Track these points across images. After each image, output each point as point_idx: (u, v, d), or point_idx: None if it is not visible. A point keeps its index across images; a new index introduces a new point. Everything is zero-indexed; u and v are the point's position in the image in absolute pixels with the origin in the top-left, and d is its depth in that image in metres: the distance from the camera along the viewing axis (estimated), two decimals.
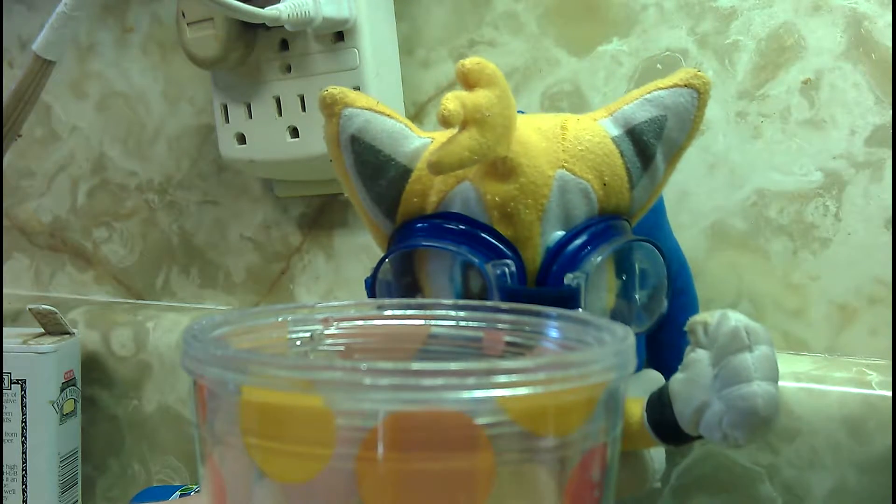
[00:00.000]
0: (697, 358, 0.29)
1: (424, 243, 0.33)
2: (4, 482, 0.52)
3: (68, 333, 0.55)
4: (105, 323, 0.59)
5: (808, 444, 0.38)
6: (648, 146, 0.33)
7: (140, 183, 0.61)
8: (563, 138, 0.33)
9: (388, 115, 0.34)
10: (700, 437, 0.29)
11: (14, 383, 0.52)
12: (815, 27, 0.41)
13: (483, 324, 0.29)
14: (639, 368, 0.34)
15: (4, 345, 0.52)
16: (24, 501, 0.52)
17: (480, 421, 0.20)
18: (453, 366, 0.20)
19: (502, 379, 0.20)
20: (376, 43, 0.47)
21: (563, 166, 0.33)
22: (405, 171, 0.34)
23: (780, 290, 0.42)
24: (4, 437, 0.52)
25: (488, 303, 0.30)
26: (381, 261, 0.34)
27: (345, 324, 0.30)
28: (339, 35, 0.46)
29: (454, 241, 0.32)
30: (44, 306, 0.53)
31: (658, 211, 0.39)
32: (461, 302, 0.30)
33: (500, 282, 0.31)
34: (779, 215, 0.42)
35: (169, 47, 0.59)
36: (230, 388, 0.22)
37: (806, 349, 0.42)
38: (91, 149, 0.63)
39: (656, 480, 0.35)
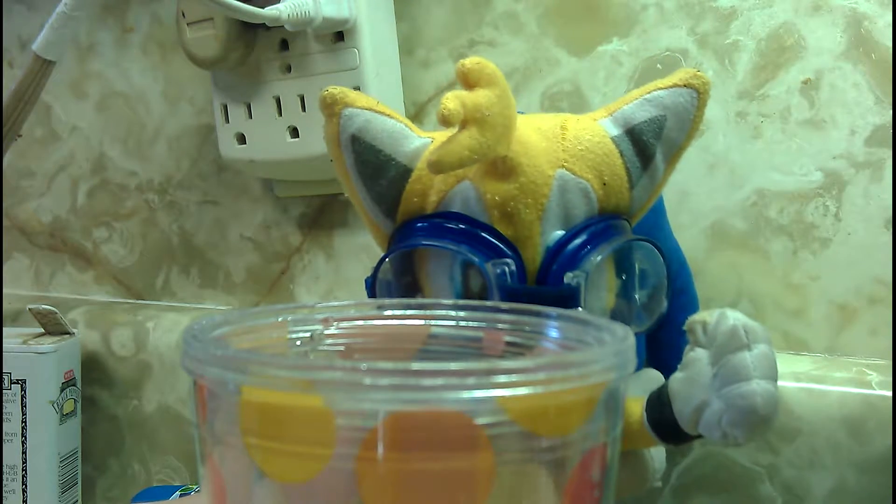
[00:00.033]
0: (696, 357, 0.29)
1: (424, 242, 0.33)
2: (4, 482, 0.52)
3: (68, 333, 0.55)
4: (105, 323, 0.59)
5: (808, 444, 0.38)
6: (648, 146, 0.34)
7: (140, 183, 0.61)
8: (563, 138, 0.33)
9: (389, 115, 0.34)
10: (700, 436, 0.29)
11: (14, 383, 0.52)
12: (815, 27, 0.41)
13: (483, 324, 0.29)
14: (638, 368, 0.34)
15: (4, 345, 0.52)
16: (24, 501, 0.52)
17: (480, 421, 0.20)
18: (453, 366, 0.20)
19: (502, 379, 0.20)
20: (376, 43, 0.47)
21: (563, 166, 0.33)
22: (405, 171, 0.34)
23: (780, 290, 0.42)
24: (4, 437, 0.52)
25: (488, 303, 0.30)
26: (382, 260, 0.34)
27: (345, 324, 0.30)
28: (339, 35, 0.46)
29: (454, 241, 0.32)
30: (44, 306, 0.53)
31: (658, 211, 0.39)
32: (461, 302, 0.30)
33: (500, 281, 0.31)
34: (779, 215, 0.42)
35: (169, 47, 0.59)
36: (230, 388, 0.22)
37: (806, 349, 0.42)
38: (91, 149, 0.63)
39: (657, 480, 0.35)
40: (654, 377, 0.36)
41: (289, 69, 0.48)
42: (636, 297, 0.35)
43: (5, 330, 0.56)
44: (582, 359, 0.22)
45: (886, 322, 0.40)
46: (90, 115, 0.62)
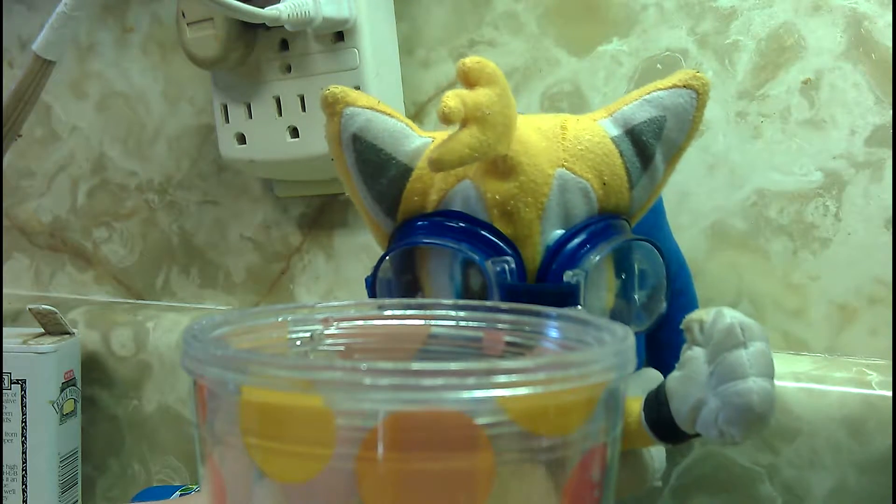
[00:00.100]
0: (694, 355, 0.29)
1: (424, 241, 0.33)
2: (4, 482, 0.52)
3: (68, 333, 0.55)
4: (105, 323, 0.59)
5: (808, 444, 0.38)
6: (648, 146, 0.34)
7: (140, 183, 0.61)
8: (563, 138, 0.33)
9: (390, 115, 0.34)
10: (697, 434, 0.29)
11: (14, 383, 0.52)
12: (815, 27, 0.41)
13: (483, 324, 0.29)
14: (638, 367, 0.34)
15: (4, 345, 0.52)
16: (24, 501, 0.52)
17: (480, 421, 0.20)
18: (453, 366, 0.20)
19: (502, 379, 0.20)
20: (376, 43, 0.47)
21: (563, 165, 0.33)
22: (406, 170, 0.34)
23: (780, 290, 0.42)
24: (4, 437, 0.52)
25: (488, 303, 0.30)
26: (382, 259, 0.34)
27: (345, 324, 0.30)
28: (339, 35, 0.47)
29: (454, 239, 0.32)
30: (44, 306, 0.53)
31: (657, 212, 0.39)
32: (461, 302, 0.30)
33: (499, 279, 0.31)
34: (779, 215, 0.42)
35: (169, 47, 0.59)
36: (230, 388, 0.22)
37: (806, 349, 0.42)
38: (91, 149, 0.63)
39: (656, 479, 0.35)
40: (653, 377, 0.36)
41: (289, 69, 0.48)
42: (636, 297, 0.35)
43: (5, 330, 0.56)
44: (582, 359, 0.22)
45: (886, 322, 0.40)
46: (90, 115, 0.63)
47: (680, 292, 0.38)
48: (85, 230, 0.64)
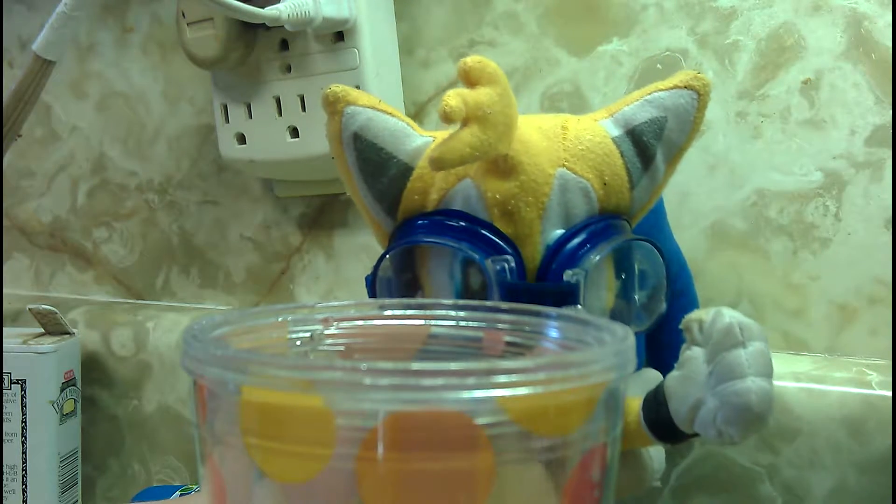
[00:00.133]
0: (693, 355, 0.29)
1: (425, 239, 0.33)
2: (4, 482, 0.52)
3: (68, 333, 0.55)
4: (105, 323, 0.59)
5: (808, 444, 0.38)
6: (648, 147, 0.34)
7: (140, 183, 0.61)
8: (564, 138, 0.33)
9: (391, 114, 0.34)
10: (696, 434, 0.29)
11: (14, 383, 0.52)
12: (815, 27, 0.41)
13: (483, 324, 0.29)
14: (638, 368, 0.34)
15: (4, 345, 0.52)
16: (24, 501, 0.52)
17: (480, 421, 0.20)
18: (453, 366, 0.20)
19: (502, 379, 0.20)
20: (376, 43, 0.47)
21: (564, 165, 0.33)
22: (406, 169, 0.34)
23: (780, 290, 0.42)
24: (4, 437, 0.52)
25: (488, 303, 0.30)
26: (382, 257, 0.34)
27: (345, 324, 0.30)
28: (339, 35, 0.46)
29: (454, 238, 0.32)
30: (44, 306, 0.53)
31: (658, 213, 0.39)
32: (461, 302, 0.30)
33: (499, 277, 0.31)
34: (779, 215, 0.42)
35: (169, 47, 0.59)
36: (230, 388, 0.22)
37: (806, 349, 0.42)
38: (91, 149, 0.63)
39: (656, 480, 0.35)
40: (653, 377, 0.36)
41: (289, 69, 0.48)
42: (636, 297, 0.35)
43: (5, 330, 0.56)
44: (582, 359, 0.22)
45: (886, 322, 0.40)
46: (90, 115, 0.62)
47: (681, 293, 0.38)
48: (85, 230, 0.64)
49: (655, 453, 0.35)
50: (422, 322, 0.30)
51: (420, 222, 0.34)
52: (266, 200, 0.56)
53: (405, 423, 0.20)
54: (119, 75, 0.61)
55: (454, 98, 0.29)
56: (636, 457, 0.34)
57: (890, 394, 0.37)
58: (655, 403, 0.29)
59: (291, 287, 0.56)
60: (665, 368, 0.35)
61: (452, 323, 0.29)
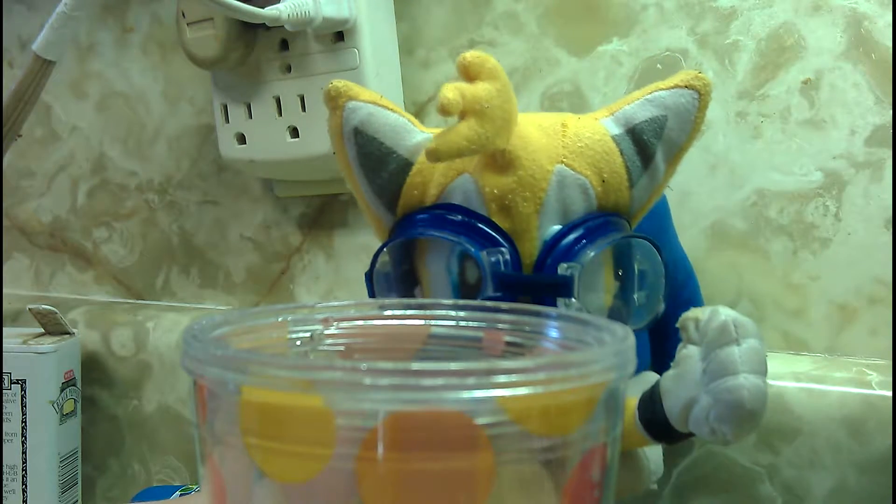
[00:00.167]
0: (688, 354, 0.29)
1: (421, 232, 0.33)
2: (4, 482, 0.52)
3: (68, 333, 0.55)
4: (105, 323, 0.59)
5: (808, 444, 0.38)
6: (648, 145, 0.34)
7: (140, 183, 0.61)
8: (564, 135, 0.33)
9: (392, 110, 0.34)
10: (692, 434, 0.29)
11: (14, 383, 0.52)
12: (815, 27, 0.41)
13: (483, 324, 0.29)
14: (641, 371, 0.34)
15: (4, 345, 0.52)
16: (24, 501, 0.52)
17: (480, 421, 0.20)
18: (453, 366, 0.20)
19: (502, 379, 0.20)
20: (376, 43, 0.47)
21: (563, 161, 0.33)
22: (406, 164, 0.34)
23: (780, 290, 0.42)
24: (4, 437, 0.52)
25: (488, 303, 0.30)
26: (380, 250, 0.34)
27: (345, 324, 0.30)
28: (339, 35, 0.46)
29: (452, 232, 0.32)
30: (44, 306, 0.53)
31: (664, 219, 0.39)
32: (461, 302, 0.30)
33: (494, 269, 0.31)
34: (779, 215, 0.42)
35: (169, 47, 0.59)
36: (230, 388, 0.22)
37: (806, 349, 0.42)
38: (91, 149, 0.63)
39: (653, 482, 0.35)
40: (653, 380, 0.36)
41: (289, 69, 0.48)
42: (634, 296, 0.35)
43: (5, 330, 0.56)
44: (582, 359, 0.22)
45: (886, 322, 0.40)
46: (90, 115, 0.62)
47: (687, 302, 0.38)
48: (85, 230, 0.64)
49: (652, 454, 0.34)
50: (422, 322, 0.30)
51: (419, 217, 0.34)
52: (266, 200, 0.56)
53: (405, 423, 0.20)
54: (119, 75, 0.61)
55: (451, 91, 0.29)
56: (633, 458, 0.34)
57: (890, 394, 0.37)
58: (651, 402, 0.29)
59: (291, 287, 0.56)
60: None
61: (452, 323, 0.29)
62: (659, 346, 0.37)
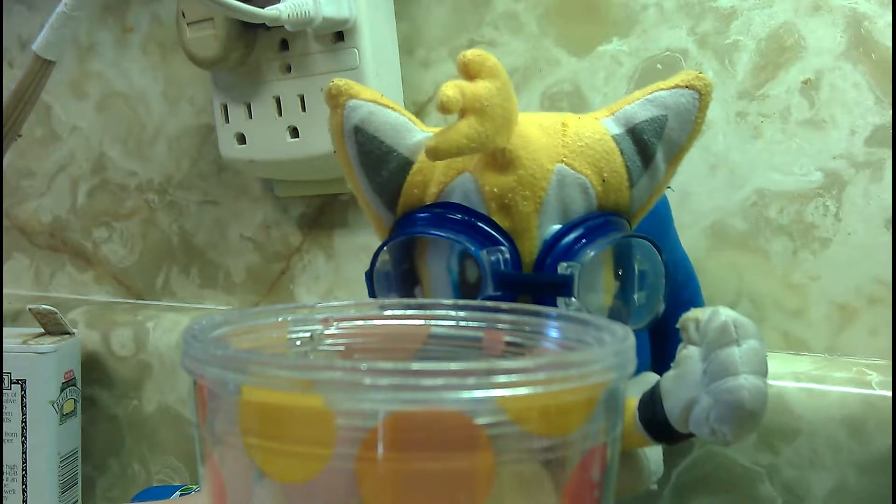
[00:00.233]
0: (688, 354, 0.29)
1: (421, 231, 0.33)
2: (4, 482, 0.52)
3: (68, 333, 0.55)
4: (105, 323, 0.59)
5: (808, 444, 0.38)
6: (649, 145, 0.34)
7: (140, 183, 0.61)
8: (564, 134, 0.33)
9: (392, 108, 0.34)
10: (692, 434, 0.29)
11: (14, 383, 0.52)
12: (815, 27, 0.41)
13: (483, 324, 0.29)
14: (642, 372, 0.34)
15: (4, 345, 0.52)
16: (24, 501, 0.52)
17: (480, 421, 0.20)
18: (453, 366, 0.20)
19: (502, 379, 0.20)
20: (376, 43, 0.47)
21: (563, 161, 0.33)
22: (406, 163, 0.34)
23: (780, 290, 0.42)
24: (4, 437, 0.52)
25: (488, 303, 0.30)
26: (380, 249, 0.34)
27: (345, 324, 0.30)
28: (339, 35, 0.46)
29: (452, 231, 0.32)
30: (44, 306, 0.53)
31: (665, 221, 0.39)
32: (461, 302, 0.30)
33: (494, 267, 0.31)
34: (779, 215, 0.42)
35: (169, 47, 0.59)
36: (230, 388, 0.22)
37: (806, 349, 0.42)
38: (91, 149, 0.63)
39: (653, 482, 0.35)
40: (654, 381, 0.36)
41: (289, 69, 0.48)
42: (634, 296, 0.35)
43: (5, 330, 0.56)
44: (582, 359, 0.22)
45: (886, 322, 0.40)
46: (90, 115, 0.62)
47: (688, 303, 0.38)
48: (85, 230, 0.64)
49: (652, 455, 0.34)
50: (422, 322, 0.30)
51: (420, 216, 0.34)
52: (266, 200, 0.56)
53: (405, 423, 0.20)
54: (119, 75, 0.61)
55: (451, 88, 0.29)
56: (633, 458, 0.34)
57: (890, 394, 0.37)
58: (651, 403, 0.29)
59: (291, 287, 0.56)
60: None
61: (452, 323, 0.29)
62: (659, 347, 0.37)
